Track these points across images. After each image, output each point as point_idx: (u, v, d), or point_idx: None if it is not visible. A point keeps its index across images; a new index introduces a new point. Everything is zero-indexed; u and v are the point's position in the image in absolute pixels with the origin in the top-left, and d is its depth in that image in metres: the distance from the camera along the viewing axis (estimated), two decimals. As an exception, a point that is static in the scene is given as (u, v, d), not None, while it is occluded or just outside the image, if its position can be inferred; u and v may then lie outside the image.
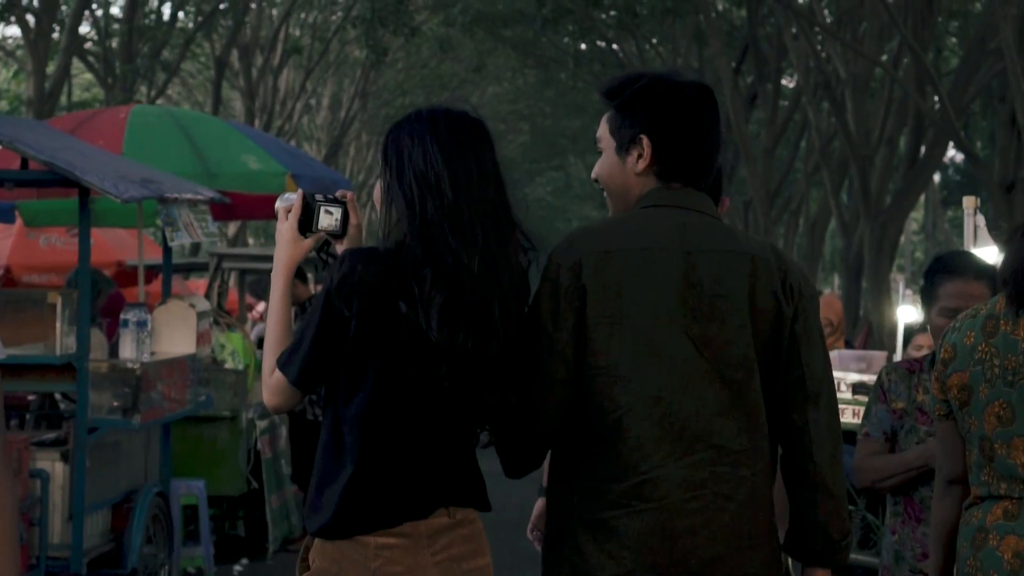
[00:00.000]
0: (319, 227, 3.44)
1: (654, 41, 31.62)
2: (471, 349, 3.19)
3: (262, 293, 12.85)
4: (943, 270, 4.57)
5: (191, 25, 29.98)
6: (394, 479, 3.22)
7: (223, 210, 9.26)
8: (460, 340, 3.17)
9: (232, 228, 30.41)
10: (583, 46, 33.61)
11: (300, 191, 3.47)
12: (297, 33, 36.86)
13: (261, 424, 9.71)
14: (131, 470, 7.73)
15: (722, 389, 3.24)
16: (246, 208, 10.03)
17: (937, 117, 20.85)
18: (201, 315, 7.95)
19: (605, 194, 3.47)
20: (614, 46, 31.60)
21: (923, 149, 23.90)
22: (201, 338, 7.98)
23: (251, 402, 9.60)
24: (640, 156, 3.36)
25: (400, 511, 3.22)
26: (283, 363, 3.30)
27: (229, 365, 9.98)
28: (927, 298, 4.58)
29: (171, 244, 7.48)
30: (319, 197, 3.45)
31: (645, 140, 3.35)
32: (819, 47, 24.05)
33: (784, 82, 30.72)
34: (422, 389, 3.22)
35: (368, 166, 43.88)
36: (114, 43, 26.89)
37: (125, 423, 7.04)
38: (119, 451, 7.52)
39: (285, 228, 3.41)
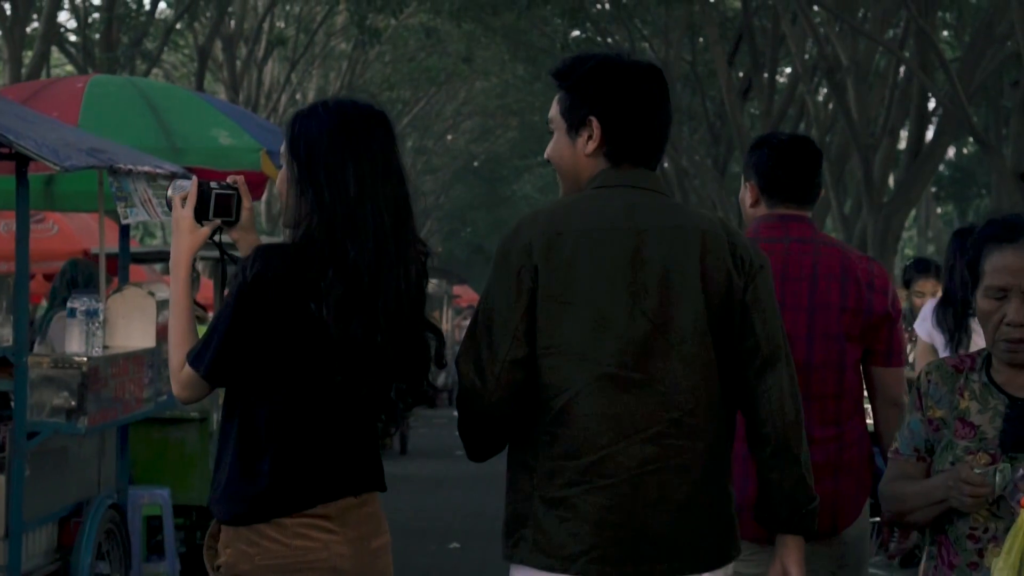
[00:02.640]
0: (214, 214, 3.47)
1: (645, 33, 31.25)
2: (361, 341, 3.29)
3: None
4: (992, 238, 3.43)
5: (172, 13, 29.54)
6: (310, 468, 3.33)
7: (190, 191, 8.33)
8: (351, 332, 3.27)
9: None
10: (573, 34, 33.17)
11: (194, 178, 3.52)
12: (282, 24, 36.69)
13: (234, 426, 8.82)
14: (81, 479, 6.86)
15: (677, 363, 3.28)
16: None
17: (946, 100, 20.16)
18: (162, 305, 7.06)
19: (557, 174, 3.50)
20: (608, 40, 31.15)
21: (927, 138, 23.34)
22: (163, 330, 7.09)
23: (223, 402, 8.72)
24: (590, 137, 3.40)
25: (315, 495, 3.33)
26: (193, 357, 3.36)
27: (199, 361, 9.09)
28: (973, 275, 3.47)
29: (124, 221, 6.54)
30: (213, 184, 3.48)
31: (595, 122, 3.38)
32: (819, 29, 23.37)
33: (780, 80, 30.32)
34: (332, 382, 3.32)
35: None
36: (95, 32, 26.36)
37: (69, 427, 6.15)
38: (66, 458, 6.64)
39: (182, 216, 3.45)
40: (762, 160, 4.48)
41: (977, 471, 3.28)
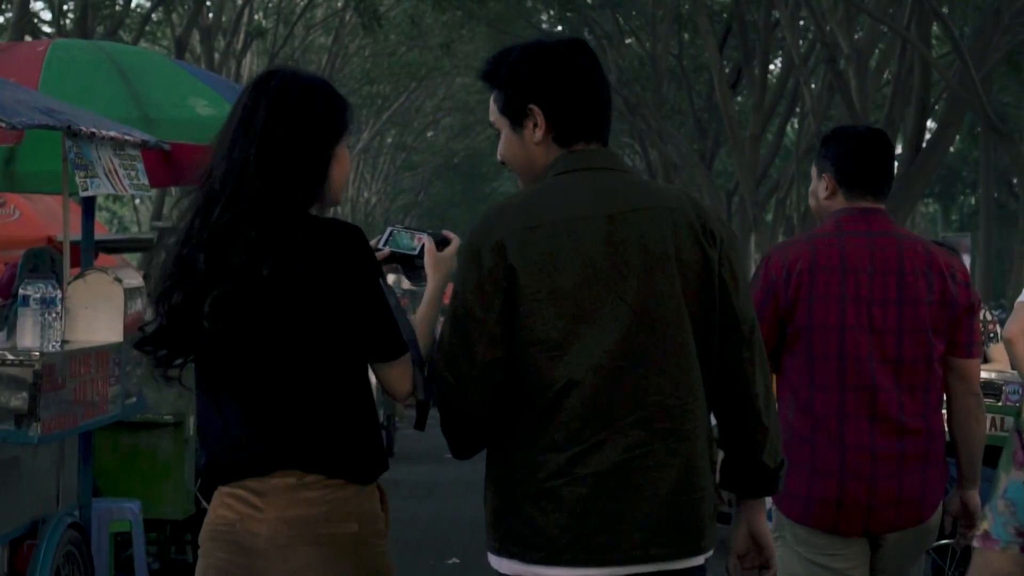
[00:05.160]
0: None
1: (631, 26, 30.93)
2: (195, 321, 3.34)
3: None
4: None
5: (148, 4, 29.11)
6: (223, 440, 3.40)
7: (163, 169, 7.40)
8: (181, 313, 3.34)
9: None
10: (559, 28, 32.89)
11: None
12: (260, 16, 36.51)
13: (212, 431, 8.00)
14: (36, 495, 5.98)
15: (658, 347, 3.28)
16: (191, 162, 8.10)
17: (954, 82, 19.46)
18: (132, 293, 6.14)
19: (515, 173, 3.49)
20: (595, 32, 30.78)
21: (931, 130, 22.76)
22: (132, 323, 6.16)
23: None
24: (535, 126, 3.38)
25: (235, 469, 3.39)
26: None
27: (174, 359, 8.24)
28: None
29: (83, 194, 5.57)
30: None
31: (535, 109, 3.37)
32: (817, 11, 22.73)
33: (770, 77, 29.98)
34: (220, 358, 3.37)
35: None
36: (68, 21, 25.80)
37: (19, 434, 5.23)
38: (17, 471, 5.75)
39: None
40: (841, 153, 4.54)
41: None
